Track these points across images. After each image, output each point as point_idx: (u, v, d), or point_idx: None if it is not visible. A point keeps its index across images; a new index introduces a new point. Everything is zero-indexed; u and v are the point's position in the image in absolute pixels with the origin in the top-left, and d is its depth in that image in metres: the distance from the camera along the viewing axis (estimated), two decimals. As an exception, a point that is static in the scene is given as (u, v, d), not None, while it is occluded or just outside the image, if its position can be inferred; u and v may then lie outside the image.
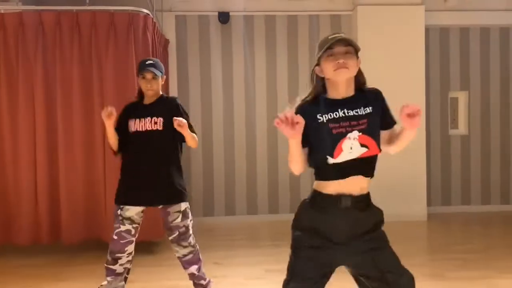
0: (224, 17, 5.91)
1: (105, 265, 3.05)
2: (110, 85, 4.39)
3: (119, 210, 3.02)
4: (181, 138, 3.06)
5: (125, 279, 3.16)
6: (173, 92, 5.72)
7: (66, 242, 4.44)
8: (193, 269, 3.14)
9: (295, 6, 6.00)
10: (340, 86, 1.90)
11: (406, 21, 5.86)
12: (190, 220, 3.12)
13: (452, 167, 6.45)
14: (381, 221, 1.90)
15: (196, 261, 3.15)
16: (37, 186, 4.41)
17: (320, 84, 1.96)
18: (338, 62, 1.82)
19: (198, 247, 3.17)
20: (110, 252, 3.01)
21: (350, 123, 1.84)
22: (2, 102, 4.39)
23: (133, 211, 3.02)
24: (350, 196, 1.82)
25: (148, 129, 3.01)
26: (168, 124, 2.97)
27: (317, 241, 1.83)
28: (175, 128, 2.93)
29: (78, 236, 4.46)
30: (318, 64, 1.93)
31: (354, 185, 1.83)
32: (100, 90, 4.42)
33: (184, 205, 3.08)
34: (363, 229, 1.84)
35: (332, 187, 1.83)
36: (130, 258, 3.08)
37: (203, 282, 3.19)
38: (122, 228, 2.99)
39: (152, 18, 4.71)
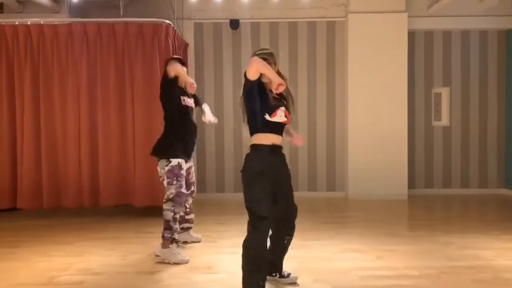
0: (234, 24, 6.96)
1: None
2: (139, 82, 5.50)
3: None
4: None
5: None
6: (191, 88, 6.80)
7: (103, 205, 5.60)
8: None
9: (295, 14, 6.99)
10: None
11: (391, 27, 6.76)
12: None
13: (434, 155, 7.32)
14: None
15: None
16: (81, 162, 5.57)
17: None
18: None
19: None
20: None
21: (282, 102, 3.07)
22: (55, 97, 5.55)
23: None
24: (277, 145, 3.03)
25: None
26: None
27: (264, 175, 2.92)
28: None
29: (113, 201, 5.61)
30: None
31: (278, 139, 3.02)
32: (131, 85, 5.54)
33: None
34: (284, 162, 3.10)
35: (269, 138, 2.98)
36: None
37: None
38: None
39: (173, 27, 5.80)
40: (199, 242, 4.40)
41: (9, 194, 5.57)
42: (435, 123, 7.35)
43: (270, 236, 2.97)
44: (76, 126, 5.57)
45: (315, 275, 3.45)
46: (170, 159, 3.90)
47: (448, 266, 3.61)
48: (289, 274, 3.30)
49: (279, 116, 2.99)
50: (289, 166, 3.18)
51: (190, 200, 4.31)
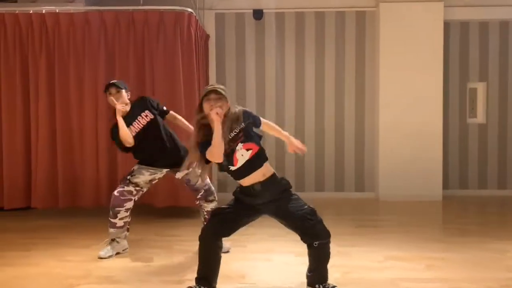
0: (258, 14, 6.59)
1: None
2: (160, 74, 5.16)
3: None
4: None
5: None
6: (212, 82, 6.45)
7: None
8: None
9: (322, 3, 6.60)
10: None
11: (426, 17, 6.34)
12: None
13: (469, 154, 6.88)
14: (286, 189, 2.85)
15: None
16: (98, 160, 5.24)
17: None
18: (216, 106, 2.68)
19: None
20: None
21: (235, 141, 2.72)
22: (71, 90, 5.23)
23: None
24: (259, 183, 2.75)
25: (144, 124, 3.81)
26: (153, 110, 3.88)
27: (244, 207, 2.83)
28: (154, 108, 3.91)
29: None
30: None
31: (258, 176, 2.75)
32: (152, 78, 5.20)
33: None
34: (273, 197, 2.79)
35: (245, 182, 2.77)
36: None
37: None
38: None
39: (195, 16, 5.45)
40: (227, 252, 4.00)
41: (23, 192, 5.27)
42: (470, 120, 6.90)
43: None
44: (93, 121, 5.24)
45: (358, 287, 3.08)
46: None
47: (509, 278, 3.21)
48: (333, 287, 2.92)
49: (241, 156, 2.73)
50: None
51: (206, 205, 3.94)
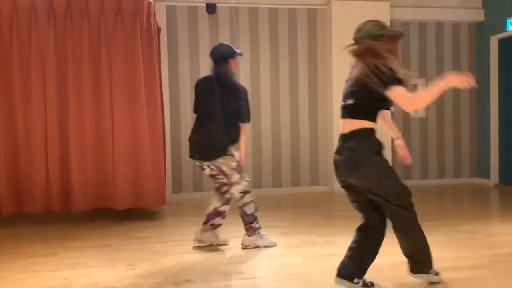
0: (211, 8, 6.42)
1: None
2: (118, 66, 4.79)
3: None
4: None
5: None
6: (164, 79, 6.12)
7: (76, 210, 4.82)
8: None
9: (276, 0, 6.61)
10: None
11: (374, 16, 6.45)
12: None
13: (412, 146, 7.28)
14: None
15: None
16: (48, 162, 4.74)
17: None
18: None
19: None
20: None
21: None
22: (14, 86, 4.67)
23: None
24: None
25: None
26: None
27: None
28: None
29: (87, 204, 4.84)
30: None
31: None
32: (109, 70, 4.81)
33: None
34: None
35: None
36: None
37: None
38: None
39: (154, 5, 5.16)
40: (226, 245, 3.84)
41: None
42: (412, 115, 7.32)
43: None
44: (41, 120, 4.74)
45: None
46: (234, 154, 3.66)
47: (494, 254, 3.41)
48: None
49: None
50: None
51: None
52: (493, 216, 4.79)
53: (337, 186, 6.45)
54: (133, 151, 4.85)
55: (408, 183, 6.57)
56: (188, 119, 6.30)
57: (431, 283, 2.80)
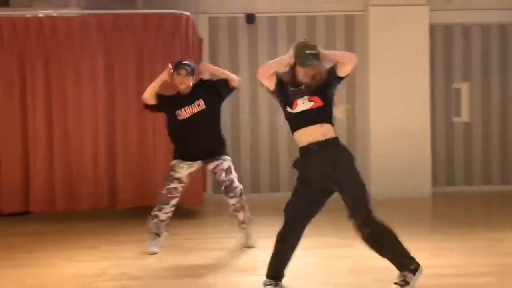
0: (250, 18, 6.72)
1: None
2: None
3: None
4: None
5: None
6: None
7: (121, 207, 5.28)
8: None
9: (313, 7, 6.77)
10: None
11: (412, 20, 6.58)
12: (234, 176, 3.98)
13: (455, 151, 7.14)
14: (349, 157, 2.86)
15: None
16: (97, 163, 5.24)
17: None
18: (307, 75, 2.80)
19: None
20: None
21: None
22: (69, 94, 5.20)
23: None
24: (316, 142, 2.77)
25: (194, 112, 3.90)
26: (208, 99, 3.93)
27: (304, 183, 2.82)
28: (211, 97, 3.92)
29: (131, 202, 5.29)
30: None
31: (316, 133, 2.77)
32: (151, 80, 5.18)
33: (226, 164, 3.91)
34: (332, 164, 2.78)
35: (302, 138, 2.83)
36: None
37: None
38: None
39: (192, 19, 5.53)
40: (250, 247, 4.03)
41: (21, 197, 5.22)
42: (456, 119, 7.18)
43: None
44: (92, 124, 5.25)
45: (373, 275, 3.21)
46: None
47: (512, 262, 3.40)
48: None
49: (302, 104, 2.77)
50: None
51: (229, 201, 4.01)
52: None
53: (373, 191, 6.54)
54: (171, 152, 5.22)
55: (451, 189, 6.68)
56: (227, 122, 6.64)
57: None
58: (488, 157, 7.15)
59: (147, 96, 3.94)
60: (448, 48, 7.07)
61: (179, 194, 3.97)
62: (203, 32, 6.67)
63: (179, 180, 3.93)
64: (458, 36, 7.07)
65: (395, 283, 2.78)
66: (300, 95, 2.79)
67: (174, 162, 3.97)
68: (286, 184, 6.75)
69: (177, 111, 3.91)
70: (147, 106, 4.04)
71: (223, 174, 3.93)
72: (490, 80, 7.12)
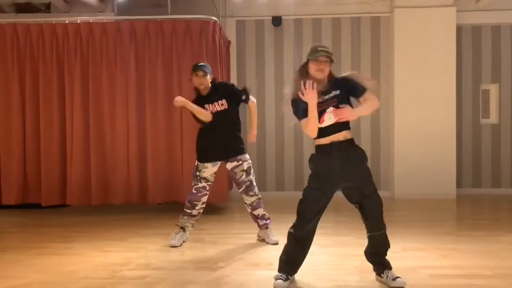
0: (277, 21, 6.90)
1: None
2: (187, 78, 5.47)
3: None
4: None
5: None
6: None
7: (151, 202, 5.61)
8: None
9: (338, 9, 6.89)
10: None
11: (439, 21, 6.58)
12: (253, 175, 4.20)
13: (482, 153, 7.08)
14: (364, 158, 3.03)
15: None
16: (129, 160, 5.58)
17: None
18: (319, 68, 2.94)
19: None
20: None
21: (327, 105, 2.94)
22: (104, 94, 5.58)
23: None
24: (338, 142, 2.95)
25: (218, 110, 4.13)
26: (230, 100, 4.15)
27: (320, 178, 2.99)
28: (233, 99, 4.14)
29: (160, 198, 5.61)
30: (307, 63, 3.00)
31: (338, 136, 2.95)
32: (179, 84, 5.53)
33: (246, 164, 4.13)
34: (349, 159, 2.96)
35: (325, 140, 2.98)
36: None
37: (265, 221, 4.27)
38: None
39: (219, 24, 5.77)
40: (275, 244, 4.18)
41: (59, 190, 5.64)
42: (483, 121, 7.12)
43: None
44: (124, 124, 5.60)
45: (381, 274, 3.34)
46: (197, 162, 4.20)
47: (520, 266, 3.45)
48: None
49: (329, 119, 2.92)
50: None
51: (247, 199, 4.23)
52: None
53: (397, 192, 6.61)
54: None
55: (477, 191, 6.65)
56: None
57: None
58: (517, 159, 7.06)
59: (207, 118, 4.10)
60: (476, 49, 7.02)
61: (207, 192, 4.23)
62: (231, 35, 6.91)
63: (205, 179, 4.17)
64: (487, 37, 7.00)
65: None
66: (324, 105, 2.93)
67: (198, 163, 4.21)
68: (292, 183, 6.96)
69: (204, 106, 4.14)
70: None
71: (244, 175, 4.16)
72: (520, 82, 7.02)
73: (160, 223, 5.09)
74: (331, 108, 2.93)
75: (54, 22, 5.65)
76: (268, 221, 4.29)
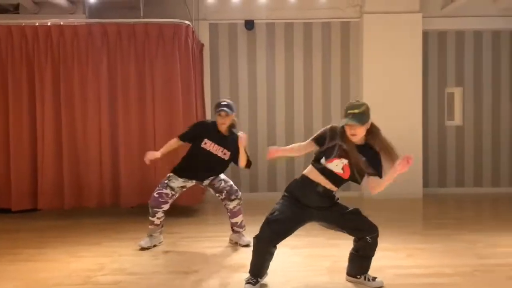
0: (249, 25, 6.98)
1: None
2: (160, 83, 5.51)
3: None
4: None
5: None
6: (206, 89, 6.81)
7: (124, 205, 5.60)
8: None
9: (310, 14, 7.02)
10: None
11: (406, 27, 6.80)
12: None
13: (447, 154, 7.37)
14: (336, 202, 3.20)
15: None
16: (102, 162, 5.56)
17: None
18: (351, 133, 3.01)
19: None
20: None
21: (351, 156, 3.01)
22: (75, 97, 5.53)
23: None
24: (323, 187, 3.06)
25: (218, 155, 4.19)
26: (232, 155, 4.20)
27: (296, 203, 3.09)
28: (234, 156, 4.15)
29: (133, 201, 5.61)
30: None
31: (326, 183, 3.06)
32: (152, 86, 5.54)
33: (222, 175, 4.29)
34: (324, 204, 3.12)
35: (315, 177, 3.08)
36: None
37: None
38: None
39: (192, 27, 5.81)
40: (247, 246, 4.24)
41: (30, 194, 5.57)
42: (448, 123, 7.40)
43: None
44: (96, 126, 5.57)
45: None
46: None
47: (480, 264, 3.65)
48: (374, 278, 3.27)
49: (335, 165, 3.02)
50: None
51: (229, 203, 4.30)
52: (508, 228, 4.86)
53: (366, 192, 6.79)
54: (170, 155, 5.52)
55: (443, 190, 6.91)
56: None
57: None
58: (479, 160, 7.37)
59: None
60: (441, 54, 7.29)
61: (169, 202, 4.21)
62: (204, 37, 6.95)
63: (171, 188, 4.20)
64: (451, 42, 7.28)
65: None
66: (341, 156, 3.02)
67: (171, 174, 4.26)
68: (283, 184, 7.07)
69: (205, 140, 4.16)
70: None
71: (222, 183, 4.27)
72: (482, 85, 7.34)
73: (134, 227, 5.11)
74: (345, 160, 3.01)
75: (23, 24, 5.56)
76: (242, 229, 4.38)
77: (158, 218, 4.23)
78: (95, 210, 5.81)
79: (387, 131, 6.58)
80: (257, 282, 3.16)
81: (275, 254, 3.18)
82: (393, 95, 6.83)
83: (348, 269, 3.33)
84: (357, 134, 3.00)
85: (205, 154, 4.16)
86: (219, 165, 4.25)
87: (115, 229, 5.04)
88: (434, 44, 7.27)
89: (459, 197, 7.02)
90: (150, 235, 4.29)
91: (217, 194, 4.32)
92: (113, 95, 5.57)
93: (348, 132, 3.01)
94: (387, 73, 6.83)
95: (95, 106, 5.56)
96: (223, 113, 4.11)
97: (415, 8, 6.81)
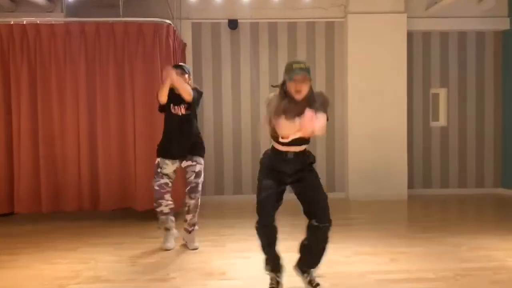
0: (233, 24, 6.88)
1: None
2: (140, 83, 5.38)
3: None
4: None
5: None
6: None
7: (103, 209, 5.46)
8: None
9: (294, 14, 6.94)
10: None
11: (391, 27, 6.76)
12: (201, 180, 4.26)
13: (432, 155, 7.35)
14: (312, 162, 3.05)
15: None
16: (80, 165, 5.42)
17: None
18: (296, 89, 2.81)
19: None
20: None
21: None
22: (53, 98, 5.38)
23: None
24: (293, 152, 2.96)
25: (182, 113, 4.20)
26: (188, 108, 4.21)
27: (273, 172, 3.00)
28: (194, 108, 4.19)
29: (113, 204, 5.47)
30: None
31: (296, 149, 2.97)
32: (131, 87, 5.41)
33: (198, 167, 4.19)
34: (300, 166, 3.01)
35: (283, 148, 2.99)
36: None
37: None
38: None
39: (173, 27, 5.69)
40: (195, 249, 4.29)
41: (6, 198, 5.40)
42: (433, 123, 7.38)
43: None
44: (75, 128, 5.42)
45: (332, 280, 3.40)
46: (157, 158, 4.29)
47: (463, 268, 3.59)
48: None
49: (293, 135, 2.90)
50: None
51: (188, 200, 4.24)
52: (492, 230, 4.84)
53: (351, 193, 6.75)
54: (150, 157, 5.40)
55: (428, 191, 6.88)
56: (210, 125, 6.84)
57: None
58: (464, 161, 7.36)
59: (162, 99, 4.15)
60: (426, 54, 7.26)
61: (170, 189, 4.26)
62: (187, 37, 6.83)
63: (167, 175, 4.23)
64: (436, 43, 7.25)
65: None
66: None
67: (159, 160, 4.26)
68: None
69: (171, 105, 4.20)
70: (160, 108, 4.29)
71: (193, 176, 4.20)
72: (467, 86, 7.33)
73: (113, 232, 4.98)
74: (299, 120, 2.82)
75: (-2, 23, 5.39)
76: (194, 227, 4.37)
77: (166, 206, 4.25)
78: (74, 214, 5.66)
79: (372, 132, 6.69)
80: (278, 283, 3.11)
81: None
82: (378, 95, 6.79)
83: (297, 261, 3.23)
84: (302, 90, 2.80)
85: (175, 119, 4.20)
86: (186, 126, 4.21)
87: (93, 233, 4.91)
88: (418, 45, 7.24)
89: (444, 198, 7.00)
90: (166, 230, 4.34)
91: (186, 185, 4.29)
92: (92, 96, 5.43)
93: (294, 88, 2.80)
94: (371, 73, 6.78)
95: (73, 108, 5.41)
96: (177, 72, 4.15)
97: (400, 9, 6.77)
